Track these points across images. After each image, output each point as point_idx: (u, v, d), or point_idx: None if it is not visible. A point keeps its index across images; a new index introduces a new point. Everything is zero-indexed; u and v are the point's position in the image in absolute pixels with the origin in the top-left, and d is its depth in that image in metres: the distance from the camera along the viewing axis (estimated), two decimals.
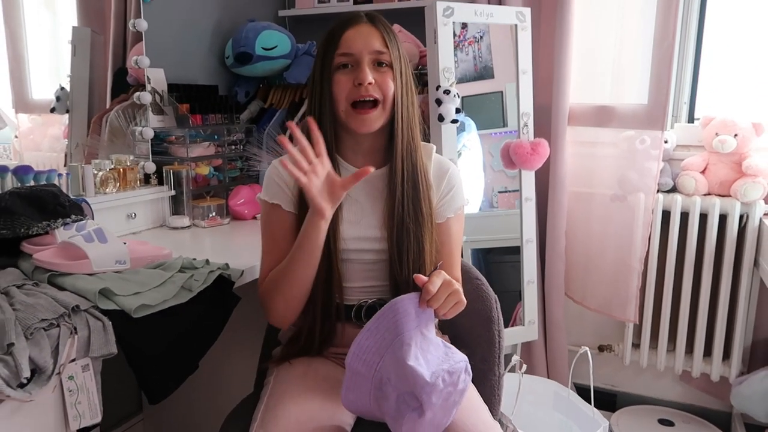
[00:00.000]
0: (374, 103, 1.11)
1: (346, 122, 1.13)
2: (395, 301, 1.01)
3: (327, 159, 1.05)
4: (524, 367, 1.52)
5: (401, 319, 1.01)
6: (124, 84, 1.85)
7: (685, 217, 1.98)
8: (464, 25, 2.05)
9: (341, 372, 1.20)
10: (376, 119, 1.12)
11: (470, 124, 1.97)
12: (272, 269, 1.16)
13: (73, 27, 1.76)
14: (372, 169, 1.03)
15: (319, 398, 1.10)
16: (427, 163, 1.21)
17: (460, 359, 1.03)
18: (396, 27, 2.03)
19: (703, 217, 1.96)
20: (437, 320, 1.32)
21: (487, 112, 2.08)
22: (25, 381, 0.87)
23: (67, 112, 1.73)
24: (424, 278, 1.01)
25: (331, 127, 1.15)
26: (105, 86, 1.84)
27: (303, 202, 1.13)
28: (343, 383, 1.03)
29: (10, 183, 1.43)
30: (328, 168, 1.05)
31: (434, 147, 1.24)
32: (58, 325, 0.94)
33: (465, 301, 1.05)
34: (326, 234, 1.09)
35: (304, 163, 1.02)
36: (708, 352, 2.02)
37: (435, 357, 1.02)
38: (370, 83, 1.10)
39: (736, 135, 1.91)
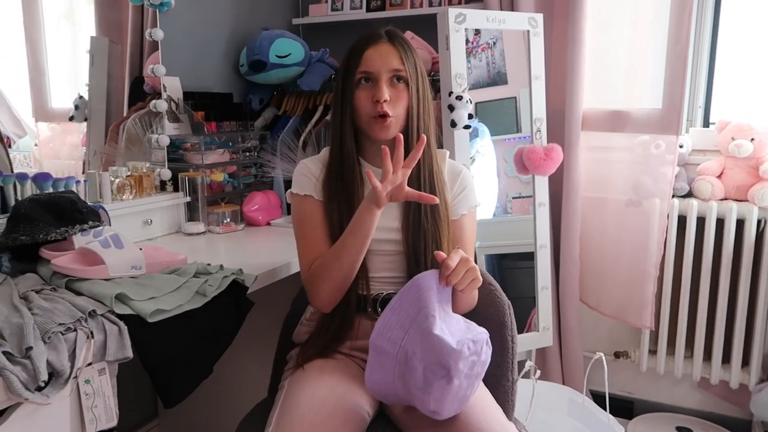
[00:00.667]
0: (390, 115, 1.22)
1: (368, 130, 1.24)
2: (417, 276, 1.07)
3: (405, 172, 1.14)
4: (538, 372, 1.51)
5: (424, 294, 1.05)
6: (140, 92, 1.88)
7: (701, 222, 1.96)
8: (477, 31, 2.04)
9: (356, 372, 1.21)
10: (393, 128, 1.22)
11: (484, 130, 1.96)
12: (315, 256, 1.24)
13: (92, 37, 1.79)
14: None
15: (333, 403, 1.10)
16: (442, 166, 1.30)
17: (481, 331, 1.07)
18: (408, 34, 2.04)
19: (720, 222, 1.94)
20: None
21: (500, 117, 2.07)
22: (42, 384, 0.88)
23: (86, 120, 1.76)
24: (444, 254, 1.08)
25: (353, 134, 1.26)
26: (122, 95, 1.87)
27: (327, 190, 1.26)
28: (367, 365, 1.07)
29: (29, 190, 1.46)
30: (403, 178, 1.14)
31: (447, 152, 1.34)
32: (75, 330, 0.95)
33: (481, 279, 1.11)
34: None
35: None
36: (727, 358, 1.99)
37: (458, 329, 1.05)
38: (385, 101, 1.20)
39: (752, 139, 1.89)
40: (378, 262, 1.25)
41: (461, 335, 1.03)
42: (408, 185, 1.20)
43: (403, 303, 1.05)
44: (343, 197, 1.24)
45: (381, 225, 1.21)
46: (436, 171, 1.26)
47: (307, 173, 1.29)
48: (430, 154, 1.25)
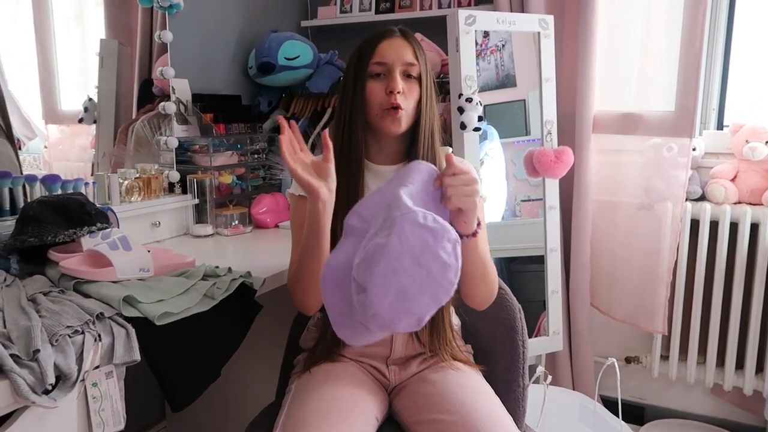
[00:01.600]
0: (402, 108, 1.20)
1: (379, 124, 1.21)
2: (414, 162, 1.03)
3: (308, 152, 1.14)
4: (549, 378, 1.49)
5: (412, 173, 0.98)
6: (149, 95, 1.88)
7: (714, 226, 1.94)
8: (486, 34, 2.03)
9: (363, 377, 1.20)
10: (403, 122, 1.20)
11: (492, 132, 1.95)
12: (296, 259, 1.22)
13: (101, 39, 1.79)
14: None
15: (341, 408, 1.09)
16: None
17: (455, 230, 0.91)
18: (418, 36, 2.02)
19: (734, 226, 1.91)
20: (459, 324, 1.31)
21: (509, 120, 2.06)
22: (50, 387, 0.87)
23: (95, 122, 1.76)
24: (453, 157, 1.04)
25: (362, 131, 1.23)
26: (131, 97, 1.87)
27: None
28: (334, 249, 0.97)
29: (38, 192, 1.46)
30: (311, 157, 1.13)
31: (450, 149, 1.31)
32: (83, 332, 0.95)
33: (476, 202, 1.03)
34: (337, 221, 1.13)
35: (291, 150, 1.10)
36: (740, 364, 1.96)
37: (431, 208, 0.94)
38: (399, 92, 1.18)
39: (767, 142, 1.87)
40: None
41: (428, 210, 0.89)
42: None
43: (389, 184, 0.97)
44: (344, 193, 1.18)
45: None
46: (438, 165, 1.20)
47: None
48: (433, 150, 1.23)
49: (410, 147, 1.25)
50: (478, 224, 1.06)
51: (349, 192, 1.19)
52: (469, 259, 1.06)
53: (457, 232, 0.90)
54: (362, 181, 1.22)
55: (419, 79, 1.21)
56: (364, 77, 1.21)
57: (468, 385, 1.17)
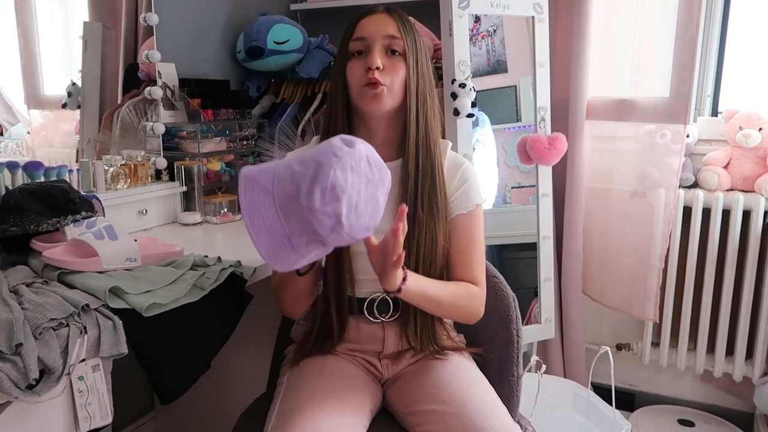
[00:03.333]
0: (383, 85, 1.12)
1: (359, 103, 1.14)
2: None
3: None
4: (544, 367, 1.49)
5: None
6: (135, 79, 1.84)
7: (707, 213, 1.93)
8: (477, 19, 2.01)
9: (356, 370, 1.19)
10: (386, 99, 1.11)
11: (484, 118, 1.93)
12: None
13: (85, 22, 1.74)
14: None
15: (335, 399, 1.08)
16: (443, 157, 1.20)
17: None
18: (410, 19, 1.99)
19: (726, 213, 1.91)
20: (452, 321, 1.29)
21: (500, 106, 2.04)
22: (33, 382, 0.84)
23: (79, 107, 1.72)
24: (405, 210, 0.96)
25: (345, 117, 1.16)
26: (116, 81, 1.82)
27: None
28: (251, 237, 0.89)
29: (20, 179, 1.42)
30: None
31: (450, 143, 1.23)
32: (68, 325, 0.92)
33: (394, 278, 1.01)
34: None
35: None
36: (730, 351, 1.97)
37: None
38: (377, 68, 1.10)
39: (760, 129, 1.86)
40: (366, 264, 1.08)
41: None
42: (406, 179, 1.14)
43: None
44: None
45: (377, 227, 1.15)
46: (437, 157, 1.16)
47: None
48: (430, 139, 1.15)
49: (403, 136, 1.16)
50: (404, 280, 1.04)
51: None
52: (416, 303, 1.11)
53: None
54: None
55: (405, 56, 1.12)
56: (345, 57, 1.14)
57: (462, 375, 1.16)
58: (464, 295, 1.17)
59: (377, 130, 1.17)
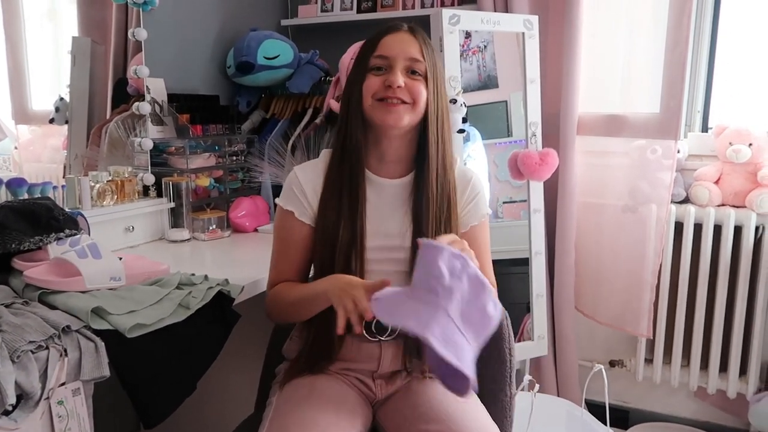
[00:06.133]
0: (403, 102, 1.11)
1: (372, 116, 1.12)
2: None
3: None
4: (537, 386, 1.46)
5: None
6: (124, 94, 1.82)
7: (698, 228, 1.93)
8: (468, 35, 2.01)
9: (347, 390, 1.16)
10: (403, 114, 1.11)
11: (475, 133, 1.93)
12: (279, 278, 1.20)
13: (73, 37, 1.73)
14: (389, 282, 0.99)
15: (324, 422, 1.05)
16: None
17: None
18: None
19: (717, 229, 1.91)
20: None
21: (491, 121, 2.04)
22: (10, 408, 0.82)
23: (67, 123, 1.70)
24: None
25: (360, 132, 1.14)
26: (105, 97, 1.81)
27: (320, 217, 1.15)
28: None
29: (3, 196, 1.39)
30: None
31: (458, 158, 1.23)
32: (47, 347, 0.89)
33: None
34: (351, 240, 1.12)
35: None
36: (724, 367, 1.96)
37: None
38: (399, 86, 1.09)
39: (750, 144, 1.86)
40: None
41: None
42: (414, 187, 1.14)
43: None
44: (345, 206, 1.13)
45: (383, 245, 1.14)
46: (451, 177, 1.16)
47: (297, 190, 1.17)
48: (446, 160, 1.15)
49: (416, 155, 1.16)
50: None
51: (350, 204, 1.13)
52: None
53: None
54: (363, 194, 1.14)
55: (426, 78, 1.11)
56: (364, 72, 1.12)
57: (453, 394, 1.14)
58: None
59: (389, 150, 1.16)
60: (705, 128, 2.07)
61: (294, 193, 1.18)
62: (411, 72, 1.11)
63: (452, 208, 1.16)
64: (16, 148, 1.61)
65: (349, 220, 1.13)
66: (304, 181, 1.17)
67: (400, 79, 1.09)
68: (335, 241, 1.12)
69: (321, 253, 1.16)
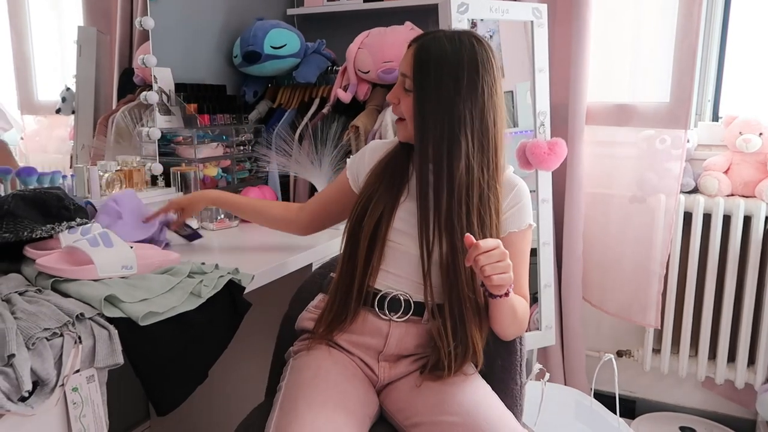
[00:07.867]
0: (401, 119, 1.22)
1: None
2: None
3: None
4: (547, 375, 1.46)
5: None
6: (130, 84, 1.82)
7: (707, 218, 1.92)
8: (474, 24, 2.00)
9: (354, 369, 1.18)
10: (401, 130, 1.22)
11: None
12: (312, 204, 1.40)
13: (79, 27, 1.72)
14: None
15: (332, 404, 1.06)
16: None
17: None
18: (408, 25, 1.98)
19: (727, 219, 1.90)
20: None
21: None
22: (26, 394, 0.82)
23: (73, 113, 1.70)
24: (473, 238, 1.02)
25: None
26: (111, 86, 1.81)
27: (365, 187, 1.23)
28: None
29: (14, 185, 1.39)
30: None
31: (511, 167, 1.25)
32: (62, 335, 0.89)
33: (512, 277, 1.05)
34: (378, 219, 1.18)
35: None
36: (732, 357, 1.96)
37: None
38: (393, 102, 1.20)
39: (761, 134, 1.85)
40: (400, 259, 1.18)
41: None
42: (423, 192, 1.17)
43: None
44: (386, 178, 1.20)
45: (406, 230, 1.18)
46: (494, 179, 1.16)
47: (365, 153, 1.30)
48: (443, 182, 1.13)
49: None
50: (511, 285, 1.08)
51: (391, 184, 1.20)
52: (501, 311, 1.13)
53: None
54: (406, 179, 1.21)
55: (415, 92, 1.14)
56: None
57: (465, 384, 1.14)
58: (523, 309, 1.19)
59: None
60: (715, 118, 2.06)
61: (360, 156, 1.32)
62: (405, 88, 1.17)
63: (491, 207, 1.16)
64: (22, 138, 1.61)
65: (387, 193, 1.19)
66: (370, 151, 1.30)
67: (393, 96, 1.19)
68: (366, 209, 1.19)
69: (353, 219, 1.21)
